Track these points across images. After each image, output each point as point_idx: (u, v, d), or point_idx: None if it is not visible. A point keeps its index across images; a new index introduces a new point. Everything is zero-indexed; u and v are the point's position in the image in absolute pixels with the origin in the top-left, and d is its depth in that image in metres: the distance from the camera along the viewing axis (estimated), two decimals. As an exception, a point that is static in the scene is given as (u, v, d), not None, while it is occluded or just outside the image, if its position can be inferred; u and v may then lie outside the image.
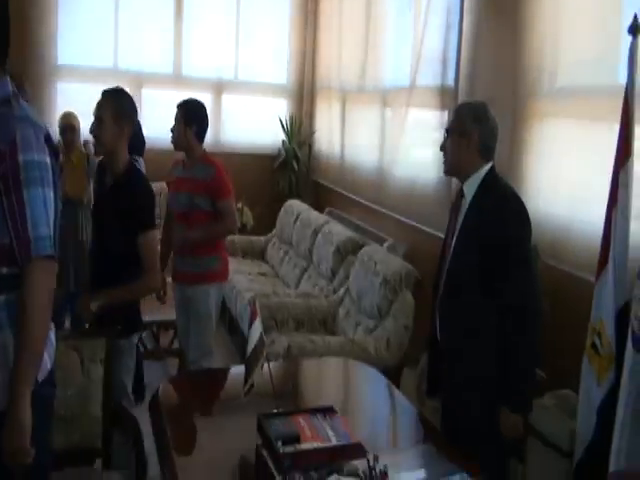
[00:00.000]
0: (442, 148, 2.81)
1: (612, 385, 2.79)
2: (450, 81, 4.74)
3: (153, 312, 4.71)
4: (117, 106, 3.03)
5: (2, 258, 1.95)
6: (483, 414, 2.68)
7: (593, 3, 3.58)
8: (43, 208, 1.94)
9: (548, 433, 3.16)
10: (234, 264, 5.09)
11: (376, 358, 4.03)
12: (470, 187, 2.73)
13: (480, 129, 2.70)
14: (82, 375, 2.86)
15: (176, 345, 4.91)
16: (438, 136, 2.84)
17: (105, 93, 3.08)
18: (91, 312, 2.97)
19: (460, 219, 2.76)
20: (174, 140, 3.99)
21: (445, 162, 2.82)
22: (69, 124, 5.20)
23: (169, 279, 4.19)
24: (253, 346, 2.35)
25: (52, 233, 1.97)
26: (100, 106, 3.04)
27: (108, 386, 2.90)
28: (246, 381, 2.34)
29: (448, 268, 2.77)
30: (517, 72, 3.99)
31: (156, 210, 3.37)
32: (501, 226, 2.59)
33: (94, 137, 3.10)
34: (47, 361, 2.10)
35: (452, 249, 2.76)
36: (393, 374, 3.93)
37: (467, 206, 2.73)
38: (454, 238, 2.76)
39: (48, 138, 2.03)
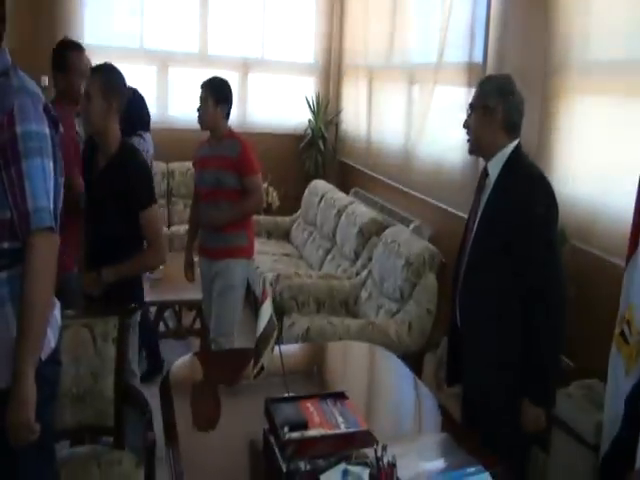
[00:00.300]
0: (466, 125, 2.66)
1: (640, 376, 2.66)
2: (478, 57, 4.61)
3: (177, 291, 4.73)
4: (105, 81, 2.97)
5: (3, 233, 1.90)
6: (504, 403, 2.56)
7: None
8: (42, 179, 1.88)
9: (573, 424, 3.05)
10: (258, 244, 5.03)
11: (397, 342, 3.94)
12: (495, 166, 2.59)
13: (505, 104, 2.55)
14: (94, 353, 2.83)
15: (198, 325, 4.89)
16: (465, 115, 2.68)
17: (93, 70, 3.04)
18: (99, 289, 2.97)
19: (483, 200, 2.63)
20: (202, 119, 3.94)
21: (469, 140, 2.68)
22: None
23: (196, 258, 4.20)
24: (262, 328, 2.26)
25: (52, 205, 1.90)
26: (88, 83, 2.98)
27: (120, 365, 2.86)
28: (255, 364, 2.26)
29: (469, 251, 2.64)
30: (547, 46, 3.84)
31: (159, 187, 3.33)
32: (526, 208, 2.45)
33: (83, 116, 3.07)
34: (51, 339, 2.05)
35: (474, 232, 2.63)
36: (414, 359, 3.84)
37: (491, 186, 2.60)
38: (476, 220, 2.64)
39: (47, 108, 1.96)
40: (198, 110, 3.93)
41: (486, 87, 2.63)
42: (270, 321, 2.29)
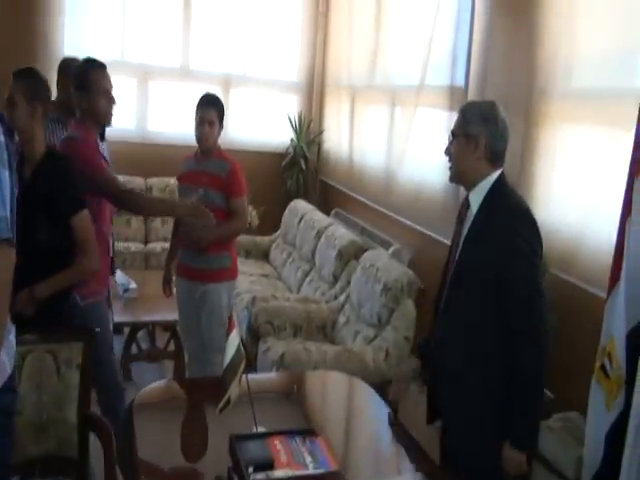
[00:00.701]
0: (447, 152, 2.56)
1: (622, 410, 2.58)
2: (460, 81, 4.56)
3: (152, 311, 4.61)
4: (29, 86, 2.89)
5: None
6: (485, 439, 2.46)
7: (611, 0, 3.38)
8: None
9: (553, 459, 2.97)
10: (236, 264, 4.93)
11: (374, 370, 3.86)
12: (476, 197, 2.49)
13: (487, 132, 2.46)
14: (57, 380, 2.72)
15: (172, 347, 4.77)
16: (446, 140, 2.59)
17: (16, 74, 2.94)
18: (33, 307, 2.84)
19: (464, 232, 2.54)
20: (208, 141, 3.83)
21: (450, 168, 2.58)
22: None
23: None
24: (229, 359, 2.17)
25: (8, 215, 1.80)
26: (12, 88, 2.89)
27: (85, 392, 2.76)
28: (222, 397, 2.17)
29: (449, 285, 2.55)
30: (529, 72, 3.79)
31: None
32: (509, 245, 2.34)
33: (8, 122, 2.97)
34: (6, 364, 1.93)
35: (454, 264, 2.54)
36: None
37: (472, 218, 2.50)
38: (457, 253, 2.55)
39: (1, 117, 1.88)
40: (200, 130, 3.80)
41: (468, 114, 2.52)
42: (237, 352, 2.21)
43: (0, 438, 1.89)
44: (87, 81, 3.30)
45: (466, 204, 2.55)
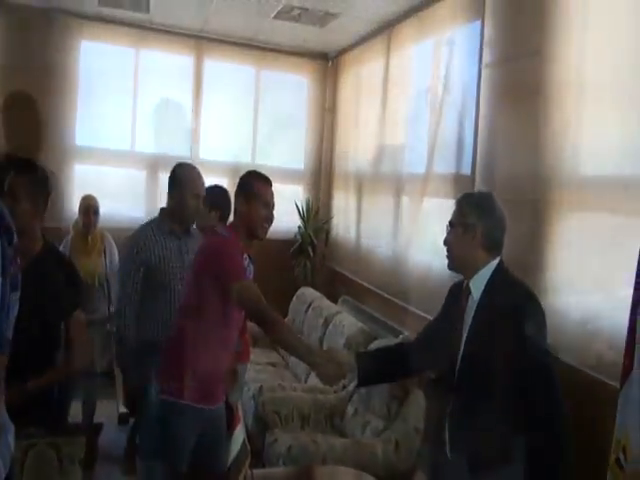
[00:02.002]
0: (446, 242, 2.61)
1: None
2: (466, 169, 4.60)
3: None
4: (31, 181, 2.84)
5: None
6: None
7: (618, 89, 3.42)
8: None
9: None
10: (242, 353, 4.86)
11: (384, 462, 3.77)
12: (477, 285, 2.51)
13: (484, 222, 2.50)
14: (59, 475, 2.65)
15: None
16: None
17: (15, 166, 2.88)
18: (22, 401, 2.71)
19: (468, 322, 2.52)
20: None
21: (449, 257, 2.61)
22: (91, 205, 5.27)
23: None
24: (235, 455, 2.11)
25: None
26: (12, 182, 2.80)
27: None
28: (226, 495, 2.10)
29: (458, 377, 2.51)
30: (536, 161, 3.82)
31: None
32: (517, 333, 2.33)
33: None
34: (1, 469, 1.88)
35: (461, 356, 2.51)
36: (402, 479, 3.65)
37: (475, 307, 2.50)
38: (462, 343, 2.52)
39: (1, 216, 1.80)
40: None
41: (465, 204, 2.58)
42: (243, 447, 2.15)
43: None
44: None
45: (467, 292, 2.55)
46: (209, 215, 3.95)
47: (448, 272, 4.51)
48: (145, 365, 3.10)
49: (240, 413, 2.21)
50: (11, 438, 1.94)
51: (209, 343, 2.90)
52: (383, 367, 2.90)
